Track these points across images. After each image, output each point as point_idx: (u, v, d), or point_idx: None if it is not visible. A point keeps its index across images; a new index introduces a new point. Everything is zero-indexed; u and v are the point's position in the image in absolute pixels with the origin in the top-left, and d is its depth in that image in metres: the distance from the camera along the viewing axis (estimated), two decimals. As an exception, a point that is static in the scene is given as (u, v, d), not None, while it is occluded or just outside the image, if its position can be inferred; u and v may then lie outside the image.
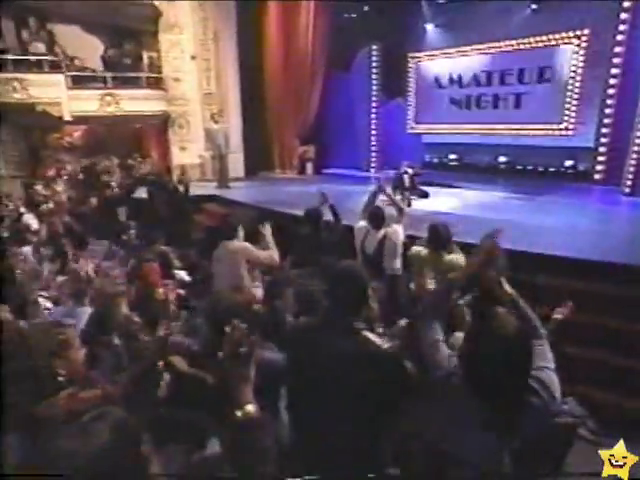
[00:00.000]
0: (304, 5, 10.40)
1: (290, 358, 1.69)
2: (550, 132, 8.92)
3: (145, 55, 10.50)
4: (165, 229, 5.60)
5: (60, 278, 3.48)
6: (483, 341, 1.28)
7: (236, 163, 10.54)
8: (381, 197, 3.94)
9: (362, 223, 3.68)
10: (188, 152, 10.50)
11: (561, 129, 8.71)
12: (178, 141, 10.53)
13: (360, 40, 10.81)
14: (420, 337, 1.58)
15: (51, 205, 5.49)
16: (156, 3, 9.41)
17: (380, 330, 2.00)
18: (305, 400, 1.58)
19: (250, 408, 1.09)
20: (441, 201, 7.68)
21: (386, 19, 9.98)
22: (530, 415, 1.29)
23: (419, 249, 3.28)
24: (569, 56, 8.38)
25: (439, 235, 3.15)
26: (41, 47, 9.36)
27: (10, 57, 8.86)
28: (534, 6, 8.57)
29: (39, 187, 5.85)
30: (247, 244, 3.35)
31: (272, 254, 3.31)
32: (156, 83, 9.98)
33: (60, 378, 1.46)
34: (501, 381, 1.24)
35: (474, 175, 9.79)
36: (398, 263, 3.52)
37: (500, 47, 9.28)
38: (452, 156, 11.04)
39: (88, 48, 10.38)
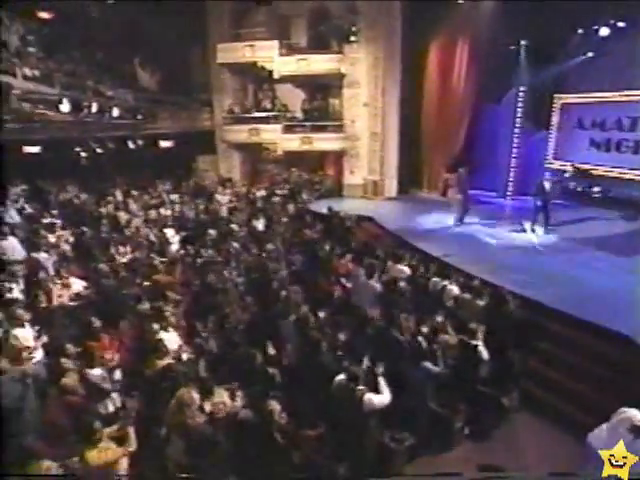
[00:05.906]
0: (458, 51, 12.34)
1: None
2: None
3: (330, 101, 14.35)
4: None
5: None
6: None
7: (391, 186, 13.59)
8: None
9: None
10: (355, 175, 13.98)
11: None
12: (349, 167, 14.09)
13: (510, 78, 12.09)
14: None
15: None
16: (342, 70, 12.93)
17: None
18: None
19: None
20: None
21: (535, 59, 11.08)
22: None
23: (466, 295, 5.81)
24: None
25: (474, 288, 5.68)
26: (268, 105, 14.06)
27: (253, 115, 13.90)
28: None
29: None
30: None
31: None
32: (339, 127, 13.65)
33: None
34: None
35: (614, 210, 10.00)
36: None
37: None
38: (596, 188, 11.43)
39: (294, 98, 14.83)
